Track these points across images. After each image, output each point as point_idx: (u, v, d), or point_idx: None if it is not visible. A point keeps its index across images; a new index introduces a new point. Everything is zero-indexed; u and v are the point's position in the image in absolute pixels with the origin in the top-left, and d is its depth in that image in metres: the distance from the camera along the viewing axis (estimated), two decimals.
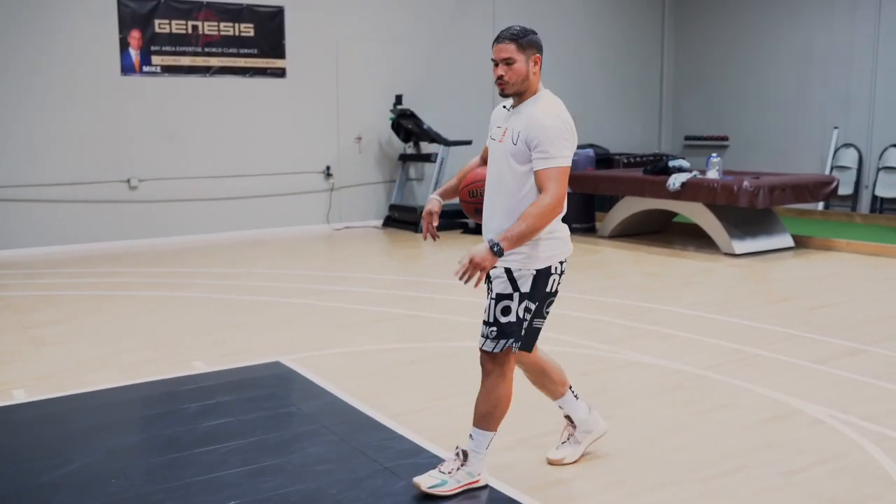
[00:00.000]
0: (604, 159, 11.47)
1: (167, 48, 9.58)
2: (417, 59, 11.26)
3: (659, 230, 10.25)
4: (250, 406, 4.21)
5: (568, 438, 3.54)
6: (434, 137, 10.62)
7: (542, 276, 3.11)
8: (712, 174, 8.71)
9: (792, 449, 3.63)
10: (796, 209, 11.22)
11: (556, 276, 3.16)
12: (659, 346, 5.29)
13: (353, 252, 9.17)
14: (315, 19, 10.48)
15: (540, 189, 3.00)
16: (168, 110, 9.70)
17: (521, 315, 3.10)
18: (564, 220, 3.19)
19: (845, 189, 11.07)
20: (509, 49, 3.06)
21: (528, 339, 3.17)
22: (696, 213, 8.90)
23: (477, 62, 11.68)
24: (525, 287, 3.08)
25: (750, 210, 8.59)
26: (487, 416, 3.18)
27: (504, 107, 3.23)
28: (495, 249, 2.91)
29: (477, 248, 2.93)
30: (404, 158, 11.12)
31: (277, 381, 4.67)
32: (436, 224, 3.44)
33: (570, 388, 3.53)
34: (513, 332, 3.10)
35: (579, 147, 11.18)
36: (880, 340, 5.36)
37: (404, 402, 4.29)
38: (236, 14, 9.96)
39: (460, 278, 2.96)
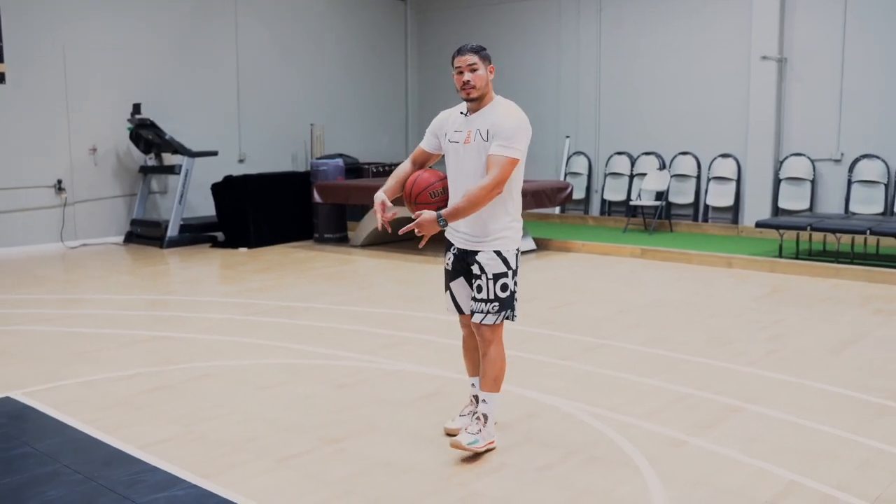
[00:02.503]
0: (353, 169, 11.51)
1: None
2: (156, 67, 10.70)
3: (411, 238, 10.43)
4: None
5: (468, 413, 3.92)
6: (177, 148, 10.15)
7: (517, 252, 3.70)
8: None
9: (546, 444, 3.79)
10: (537, 213, 11.88)
11: (519, 252, 3.74)
12: (417, 354, 5.35)
13: (92, 271, 8.53)
14: (36, 21, 9.66)
15: (486, 170, 3.51)
16: None
17: (513, 288, 3.67)
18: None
19: (578, 194, 11.89)
20: (473, 58, 3.57)
21: (515, 308, 3.72)
22: None
23: (220, 71, 11.33)
24: (513, 264, 3.66)
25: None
26: (497, 379, 3.70)
27: (461, 112, 3.69)
28: (441, 221, 3.48)
29: (427, 214, 3.48)
30: (145, 171, 10.52)
31: (8, 420, 4.20)
32: (392, 209, 3.73)
33: None
34: (510, 304, 3.67)
35: (327, 157, 11.18)
36: (616, 334, 5.77)
37: (155, 431, 4.01)
38: None
39: (403, 233, 3.60)
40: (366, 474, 3.49)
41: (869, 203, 9.66)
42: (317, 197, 10.03)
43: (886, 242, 8.39)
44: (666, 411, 4.21)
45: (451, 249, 3.79)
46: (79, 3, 10.01)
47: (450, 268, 3.82)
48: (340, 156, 11.70)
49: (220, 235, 10.38)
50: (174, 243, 10.04)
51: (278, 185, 10.44)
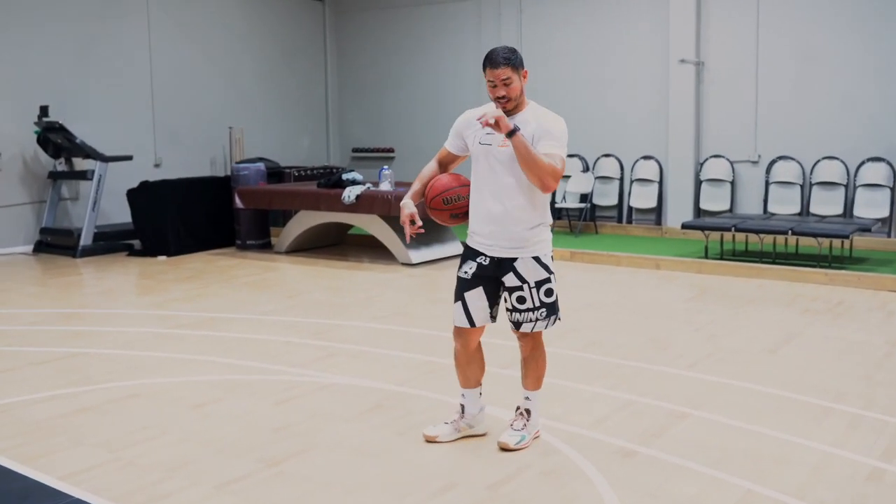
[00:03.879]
0: (275, 173, 11.22)
1: None
2: (64, 68, 10.20)
3: (335, 243, 10.23)
4: None
5: (451, 422, 3.86)
6: (89, 153, 9.70)
7: (551, 256, 3.69)
8: (385, 186, 8.84)
9: (495, 460, 3.68)
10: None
11: None
12: (352, 365, 5.18)
13: None
14: None
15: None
16: None
17: (556, 292, 3.68)
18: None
19: None
20: (507, 71, 3.51)
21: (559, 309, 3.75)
22: (372, 225, 8.98)
23: (133, 72, 10.90)
24: (553, 268, 3.67)
25: (422, 220, 8.80)
26: (539, 378, 3.81)
27: None
28: (518, 131, 3.39)
29: (506, 118, 3.41)
30: (55, 176, 10.02)
31: None
32: (419, 224, 3.69)
33: (481, 388, 3.89)
34: (557, 308, 3.71)
35: (248, 161, 10.86)
36: (552, 339, 5.64)
37: (78, 458, 3.74)
38: None
39: (485, 123, 3.41)
40: (311, 497, 3.32)
41: (786, 203, 9.88)
42: (238, 202, 9.73)
43: (805, 242, 8.58)
44: (612, 419, 4.15)
45: (477, 258, 3.66)
46: None
47: (468, 277, 3.68)
48: (261, 159, 11.40)
49: (136, 243, 9.96)
50: (88, 252, 9.60)
51: (197, 191, 10.09)
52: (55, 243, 9.84)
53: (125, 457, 3.75)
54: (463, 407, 3.87)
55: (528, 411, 3.81)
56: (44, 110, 9.66)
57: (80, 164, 10.09)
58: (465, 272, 3.70)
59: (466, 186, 3.66)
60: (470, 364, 3.83)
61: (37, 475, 3.55)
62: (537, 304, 3.62)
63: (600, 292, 7.39)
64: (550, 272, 3.64)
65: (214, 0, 11.90)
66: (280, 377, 4.92)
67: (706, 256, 8.57)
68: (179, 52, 11.45)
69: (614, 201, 11.18)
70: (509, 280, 3.61)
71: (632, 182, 11.02)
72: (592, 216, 11.07)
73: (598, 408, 4.33)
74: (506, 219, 3.57)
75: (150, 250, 9.65)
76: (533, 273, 3.60)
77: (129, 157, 10.14)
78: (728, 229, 8.47)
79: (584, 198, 10.92)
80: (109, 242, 9.90)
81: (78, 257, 9.49)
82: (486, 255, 3.65)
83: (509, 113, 3.55)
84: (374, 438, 3.93)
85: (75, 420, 4.23)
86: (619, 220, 11.19)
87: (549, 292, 3.64)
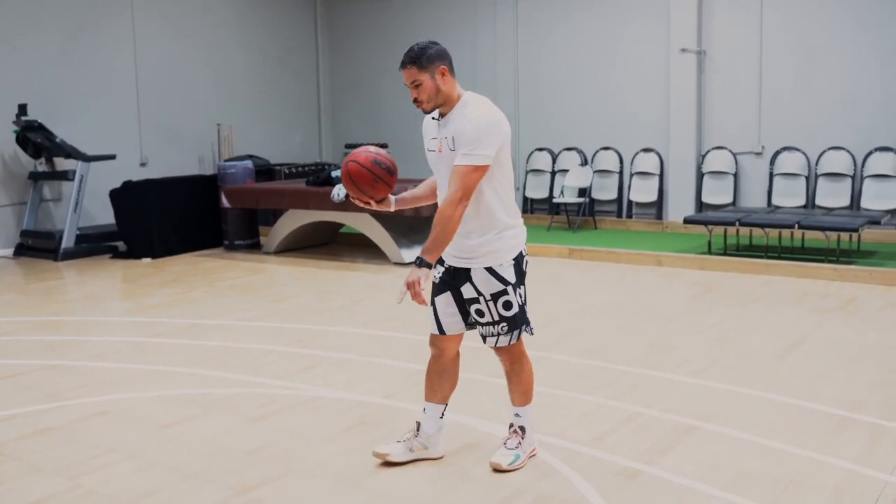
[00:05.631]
0: (264, 171, 10.90)
1: None
2: (44, 64, 9.87)
3: (326, 242, 9.93)
4: None
5: (405, 440, 3.56)
6: (70, 153, 9.39)
7: (519, 260, 3.35)
8: None
9: (488, 482, 3.38)
10: None
11: (526, 257, 3.41)
12: (337, 376, 4.87)
13: None
14: None
15: (449, 184, 3.16)
16: None
17: (520, 302, 3.35)
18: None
19: None
20: (412, 72, 3.18)
21: (528, 318, 3.42)
22: (363, 224, 8.68)
23: (116, 68, 10.58)
24: (511, 277, 3.31)
25: (415, 218, 8.52)
26: (526, 392, 3.52)
27: (433, 118, 3.33)
28: (419, 263, 3.11)
29: (409, 275, 3.09)
30: (35, 177, 9.71)
31: None
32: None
33: (446, 407, 3.60)
34: (522, 320, 3.37)
35: (236, 159, 10.53)
36: (550, 345, 5.37)
37: (34, 487, 3.44)
38: None
39: (401, 301, 3.12)
40: None
41: (791, 196, 9.57)
42: (225, 202, 9.42)
43: (812, 235, 8.28)
44: (615, 434, 3.85)
45: (443, 263, 3.40)
46: None
47: (437, 281, 3.42)
48: (250, 157, 11.05)
49: (120, 245, 9.65)
50: (70, 255, 9.29)
51: (183, 190, 9.76)
52: (36, 246, 9.53)
53: (85, 485, 3.44)
54: (419, 424, 3.56)
55: (521, 428, 3.53)
56: (22, 109, 9.33)
57: (62, 164, 9.77)
58: (436, 276, 3.44)
59: (394, 175, 3.35)
60: (441, 375, 3.54)
61: None
62: (496, 317, 3.32)
63: (600, 292, 7.07)
64: (508, 283, 3.29)
65: None
66: (259, 390, 4.62)
67: (709, 252, 8.26)
68: (165, 48, 11.12)
69: (614, 195, 10.87)
70: (467, 291, 3.34)
71: (632, 175, 10.70)
72: (591, 211, 10.76)
73: (599, 421, 4.03)
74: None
75: (134, 252, 9.34)
76: (486, 285, 3.29)
77: (113, 157, 9.82)
78: (732, 223, 8.16)
79: (583, 192, 10.61)
80: (92, 245, 9.59)
81: (59, 260, 9.18)
82: (447, 263, 3.40)
83: (443, 109, 3.26)
84: (356, 461, 3.61)
85: (35, 442, 3.92)
86: (619, 215, 10.88)
87: (507, 305, 3.30)
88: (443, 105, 3.24)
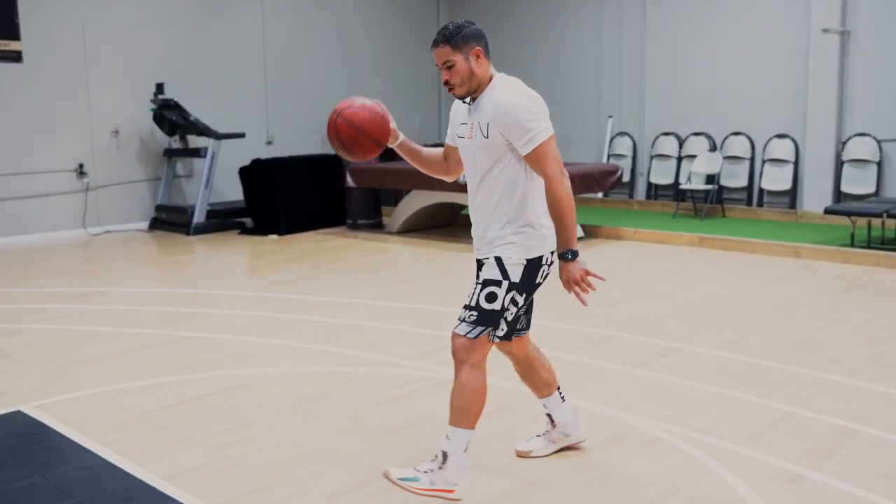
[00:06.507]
0: (387, 151, 10.88)
1: None
2: (180, 46, 10.17)
3: (448, 223, 9.89)
4: None
5: (544, 434, 3.45)
6: (202, 130, 9.64)
7: (533, 266, 3.02)
8: None
9: (637, 479, 3.23)
10: (580, 198, 11.27)
11: (546, 267, 3.08)
12: None
13: (114, 261, 8.06)
14: None
15: (539, 174, 2.94)
16: None
17: (505, 304, 2.99)
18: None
19: (623, 177, 11.23)
20: (445, 52, 2.98)
21: (509, 329, 3.06)
22: None
23: (246, 50, 10.81)
24: (515, 277, 2.99)
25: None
26: (464, 410, 3.00)
27: (464, 101, 3.09)
28: (570, 256, 2.92)
29: (561, 274, 2.95)
30: (170, 154, 10.02)
31: (18, 440, 3.70)
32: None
33: (559, 388, 3.43)
34: (493, 321, 2.99)
35: None
36: (687, 336, 5.18)
37: (181, 456, 3.49)
38: None
39: (586, 303, 2.97)
40: None
41: None
42: (350, 181, 9.49)
43: None
44: (768, 434, 3.64)
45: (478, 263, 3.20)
46: None
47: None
48: None
49: (248, 221, 9.87)
50: (201, 230, 9.56)
51: (309, 169, 9.90)
52: (169, 220, 9.85)
53: (233, 455, 3.48)
54: (550, 416, 3.44)
55: (443, 454, 3.03)
56: (159, 88, 9.64)
57: (195, 141, 10.06)
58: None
59: (386, 133, 3.14)
60: (527, 376, 3.38)
61: (141, 473, 3.31)
62: (473, 303, 2.98)
63: (734, 283, 6.77)
64: (506, 278, 2.96)
65: None
66: (391, 370, 4.59)
67: (852, 244, 7.81)
68: (292, 30, 11.29)
69: (744, 183, 10.44)
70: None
71: (763, 162, 10.24)
72: (719, 198, 10.36)
73: (749, 420, 3.82)
74: (476, 213, 3.10)
75: (261, 229, 9.53)
76: (488, 271, 3.00)
77: (242, 135, 10.04)
78: (879, 215, 7.68)
79: (711, 179, 10.22)
80: (222, 220, 9.84)
81: (191, 234, 9.46)
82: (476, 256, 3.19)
83: (474, 94, 3.03)
84: (495, 449, 3.52)
85: (181, 411, 4.00)
86: (749, 203, 10.44)
87: (490, 297, 2.95)
88: (476, 89, 3.01)
